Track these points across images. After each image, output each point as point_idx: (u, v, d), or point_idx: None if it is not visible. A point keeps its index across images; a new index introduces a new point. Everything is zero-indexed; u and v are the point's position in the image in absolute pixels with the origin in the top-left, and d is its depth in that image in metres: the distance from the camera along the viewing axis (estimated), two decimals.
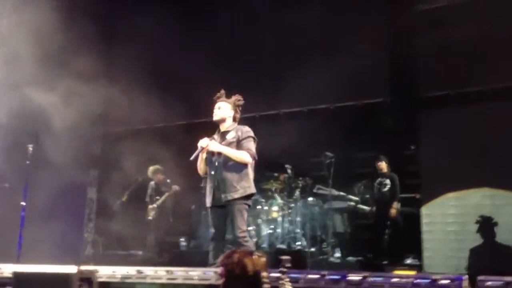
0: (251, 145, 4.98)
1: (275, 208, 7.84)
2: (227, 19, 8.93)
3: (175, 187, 8.34)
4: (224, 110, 5.14)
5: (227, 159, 4.93)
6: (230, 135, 5.06)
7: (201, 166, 5.12)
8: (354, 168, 8.27)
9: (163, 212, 8.31)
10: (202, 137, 5.08)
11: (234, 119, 5.20)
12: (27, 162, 6.70)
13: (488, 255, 6.88)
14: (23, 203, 6.55)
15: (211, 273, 4.62)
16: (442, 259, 7.19)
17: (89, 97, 7.75)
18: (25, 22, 7.11)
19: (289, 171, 8.03)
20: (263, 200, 7.99)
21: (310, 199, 7.88)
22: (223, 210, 4.93)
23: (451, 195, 7.40)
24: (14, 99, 7.33)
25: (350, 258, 7.49)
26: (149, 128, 9.29)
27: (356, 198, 7.97)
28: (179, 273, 4.82)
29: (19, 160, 7.01)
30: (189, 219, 8.58)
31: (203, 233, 8.00)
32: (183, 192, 8.43)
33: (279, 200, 7.94)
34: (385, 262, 6.90)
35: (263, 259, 2.94)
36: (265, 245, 7.67)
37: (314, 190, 7.90)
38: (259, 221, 7.88)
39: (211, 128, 5.33)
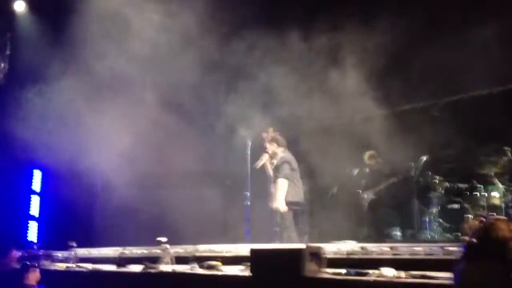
0: None
1: (495, 194, 7.38)
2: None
3: (394, 179, 8.25)
4: None
5: None
6: None
7: None
8: None
9: (378, 200, 8.38)
10: None
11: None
12: None
13: None
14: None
15: (437, 248, 4.59)
16: None
17: None
18: None
19: (509, 153, 7.46)
20: (481, 186, 7.55)
21: None
22: None
23: None
24: None
25: None
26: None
27: None
28: (404, 249, 4.87)
29: None
30: (401, 209, 8.44)
31: (418, 223, 7.97)
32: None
33: (500, 186, 7.43)
34: None
35: None
36: None
37: None
38: (478, 209, 7.47)
39: None
